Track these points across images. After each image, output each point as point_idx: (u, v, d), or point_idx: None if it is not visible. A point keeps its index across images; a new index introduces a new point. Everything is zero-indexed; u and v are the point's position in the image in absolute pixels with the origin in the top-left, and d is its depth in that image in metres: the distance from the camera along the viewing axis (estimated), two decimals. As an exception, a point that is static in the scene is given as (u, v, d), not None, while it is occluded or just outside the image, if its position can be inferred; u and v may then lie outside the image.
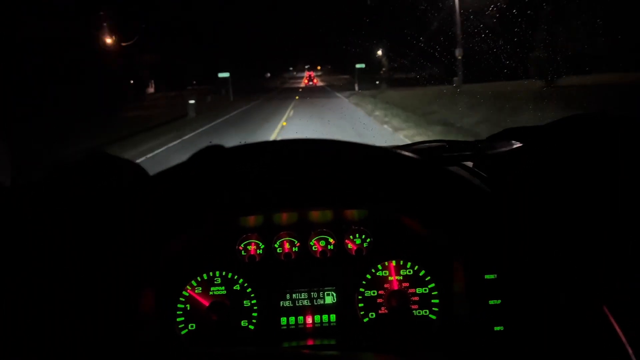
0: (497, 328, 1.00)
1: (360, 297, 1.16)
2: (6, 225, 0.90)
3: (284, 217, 1.19)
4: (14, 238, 0.89)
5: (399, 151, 1.11)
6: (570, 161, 1.09)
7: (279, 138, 1.17)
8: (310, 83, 69.20)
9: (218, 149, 0.97)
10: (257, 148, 1.08)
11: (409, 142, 1.42)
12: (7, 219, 0.91)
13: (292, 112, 20.35)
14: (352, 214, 1.19)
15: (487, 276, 1.02)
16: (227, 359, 0.66)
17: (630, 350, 0.82)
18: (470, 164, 1.26)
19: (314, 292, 1.17)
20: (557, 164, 1.10)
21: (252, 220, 1.17)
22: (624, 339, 0.83)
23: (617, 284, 0.90)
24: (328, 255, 1.19)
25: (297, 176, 1.05)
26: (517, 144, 1.23)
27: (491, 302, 1.01)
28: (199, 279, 1.15)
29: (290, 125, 15.33)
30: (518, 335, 0.98)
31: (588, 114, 1.23)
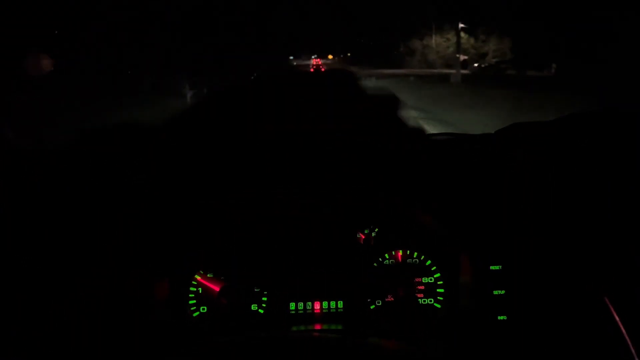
0: (500, 317, 1.03)
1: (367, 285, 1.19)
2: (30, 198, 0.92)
3: None
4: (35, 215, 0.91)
5: (408, 142, 1.13)
6: (577, 157, 1.10)
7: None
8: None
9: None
10: (269, 134, 1.10)
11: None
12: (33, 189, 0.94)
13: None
14: (361, 204, 1.21)
15: (492, 267, 1.04)
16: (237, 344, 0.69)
17: (629, 340, 0.85)
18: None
19: None
20: (564, 159, 1.11)
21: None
22: (623, 330, 0.86)
23: (618, 276, 0.93)
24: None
25: (307, 165, 1.07)
26: (525, 139, 1.24)
27: (496, 292, 1.04)
28: None
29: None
30: (521, 324, 1.01)
31: (597, 110, 1.24)
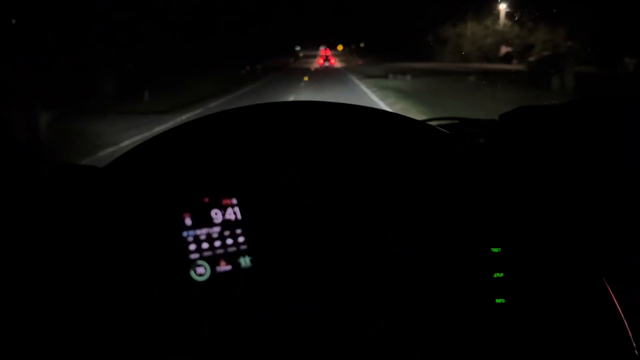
0: (498, 301, 1.02)
1: None
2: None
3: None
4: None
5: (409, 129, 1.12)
6: (585, 142, 1.10)
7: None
8: (327, 64, 49.05)
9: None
10: (259, 110, 1.09)
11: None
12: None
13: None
14: (362, 204, 1.18)
15: (492, 249, 1.04)
16: None
17: (626, 324, 0.84)
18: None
19: None
20: (571, 144, 1.11)
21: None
22: (621, 312, 0.86)
23: (618, 257, 0.93)
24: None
25: (308, 164, 1.08)
26: (529, 123, 1.24)
27: (495, 275, 1.04)
28: None
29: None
30: (519, 308, 1.02)
31: (601, 97, 1.23)
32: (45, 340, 0.86)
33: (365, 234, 1.18)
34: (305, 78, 24.77)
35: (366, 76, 24.06)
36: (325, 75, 28.75)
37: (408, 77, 20.71)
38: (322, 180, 1.11)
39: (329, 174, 1.11)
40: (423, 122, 1.36)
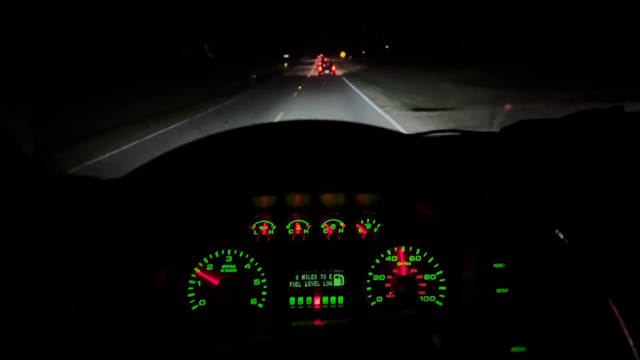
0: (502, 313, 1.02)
1: (368, 281, 1.18)
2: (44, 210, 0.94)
3: (296, 199, 1.21)
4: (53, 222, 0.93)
5: (413, 136, 1.12)
6: (583, 154, 1.09)
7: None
8: (327, 72, 41.73)
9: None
10: (270, 128, 1.10)
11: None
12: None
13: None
14: (363, 198, 1.21)
15: (496, 265, 1.03)
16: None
17: (631, 342, 0.83)
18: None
19: (323, 274, 1.19)
20: (569, 157, 1.10)
21: (264, 201, 1.19)
22: (626, 331, 0.84)
23: (622, 277, 0.91)
24: (338, 238, 1.20)
25: (310, 158, 1.07)
26: (531, 137, 1.23)
27: (499, 290, 1.03)
28: (210, 256, 1.17)
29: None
30: (523, 324, 1.00)
31: (602, 109, 1.24)
32: (45, 340, 0.86)
33: (370, 229, 1.20)
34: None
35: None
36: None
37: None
38: (322, 173, 1.09)
39: (330, 168, 1.08)
40: (421, 135, 1.36)
